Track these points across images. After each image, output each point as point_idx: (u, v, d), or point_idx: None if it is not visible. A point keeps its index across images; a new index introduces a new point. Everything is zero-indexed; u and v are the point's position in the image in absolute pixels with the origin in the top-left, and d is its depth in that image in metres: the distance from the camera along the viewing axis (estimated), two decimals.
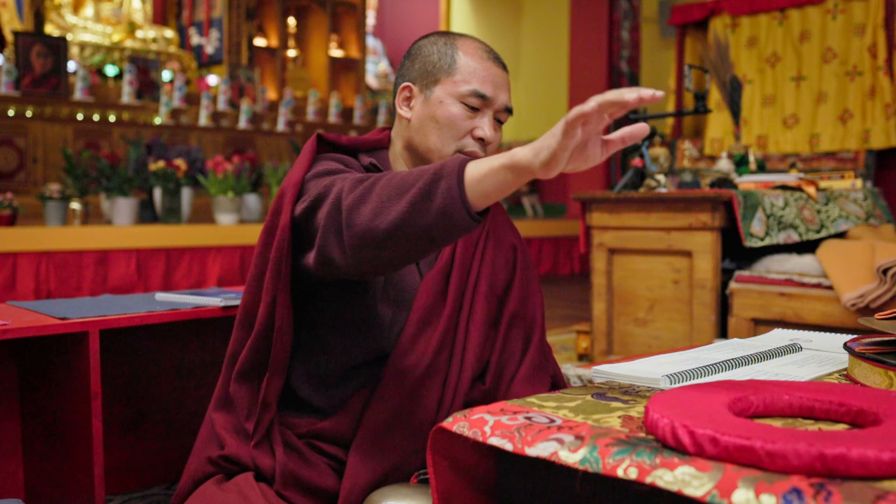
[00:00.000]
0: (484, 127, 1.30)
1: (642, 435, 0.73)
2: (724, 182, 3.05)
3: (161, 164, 5.09)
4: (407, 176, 1.03)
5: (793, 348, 1.14)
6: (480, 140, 1.30)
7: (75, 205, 4.81)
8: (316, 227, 1.12)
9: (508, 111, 1.34)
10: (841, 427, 0.75)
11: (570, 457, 0.69)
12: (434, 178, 0.98)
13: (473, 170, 0.97)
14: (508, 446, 0.75)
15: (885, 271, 2.50)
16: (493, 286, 1.38)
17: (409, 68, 1.35)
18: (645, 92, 0.85)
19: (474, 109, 1.29)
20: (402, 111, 1.34)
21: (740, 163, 3.40)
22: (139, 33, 7.73)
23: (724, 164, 3.40)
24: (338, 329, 1.28)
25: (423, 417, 1.26)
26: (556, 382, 1.42)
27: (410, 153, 1.35)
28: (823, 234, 2.99)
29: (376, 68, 9.93)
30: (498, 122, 1.34)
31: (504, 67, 1.35)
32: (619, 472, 0.66)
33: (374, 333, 1.28)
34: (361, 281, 1.25)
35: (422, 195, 0.99)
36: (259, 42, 8.35)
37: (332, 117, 8.09)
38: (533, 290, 1.43)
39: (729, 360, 1.03)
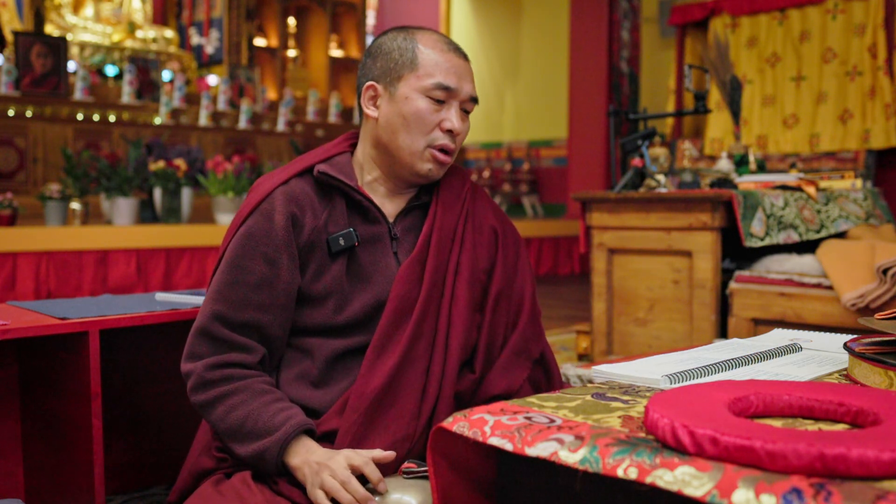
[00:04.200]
0: (452, 119, 1.30)
1: (642, 435, 0.73)
2: (724, 182, 3.05)
3: (161, 164, 5.09)
4: (239, 428, 1.20)
5: (793, 348, 1.14)
6: (449, 132, 1.30)
7: (75, 205, 4.81)
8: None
9: (474, 101, 1.34)
10: (841, 427, 0.75)
11: (570, 457, 0.69)
12: (258, 457, 1.19)
13: (289, 458, 1.18)
14: (508, 446, 0.75)
15: (885, 271, 2.50)
16: (475, 270, 1.35)
17: (371, 67, 1.34)
18: None
19: (440, 102, 1.29)
20: (369, 110, 1.33)
21: (740, 163, 3.40)
22: (139, 33, 7.73)
23: (724, 164, 3.40)
24: (313, 333, 1.29)
25: (405, 408, 1.24)
26: (546, 365, 1.39)
27: (379, 151, 1.34)
28: (823, 234, 2.99)
29: None
30: (465, 113, 1.33)
31: (465, 58, 1.34)
32: (619, 472, 0.66)
33: (353, 327, 1.29)
34: (321, 296, 1.29)
35: (249, 458, 1.20)
36: (259, 42, 8.35)
37: (332, 117, 8.08)
38: (520, 270, 1.41)
39: (729, 360, 1.03)
